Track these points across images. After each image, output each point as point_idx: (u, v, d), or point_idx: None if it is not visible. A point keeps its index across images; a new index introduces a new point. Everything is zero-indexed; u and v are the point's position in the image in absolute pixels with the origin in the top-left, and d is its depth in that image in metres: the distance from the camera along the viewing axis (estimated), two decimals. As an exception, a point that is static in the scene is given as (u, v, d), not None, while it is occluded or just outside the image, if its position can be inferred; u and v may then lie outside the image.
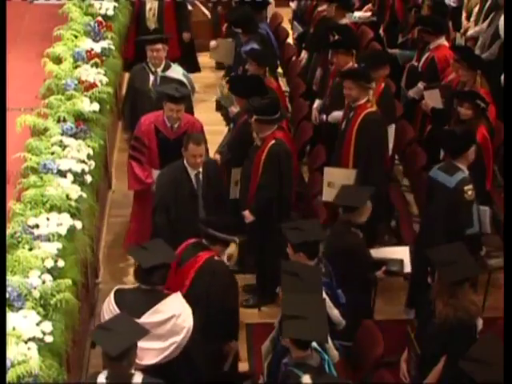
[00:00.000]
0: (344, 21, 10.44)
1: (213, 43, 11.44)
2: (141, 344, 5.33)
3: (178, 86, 8.20)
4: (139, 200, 8.31)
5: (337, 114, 8.90)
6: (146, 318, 5.71)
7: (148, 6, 11.06)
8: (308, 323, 5.28)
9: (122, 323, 5.21)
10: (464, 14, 11.32)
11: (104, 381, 5.05)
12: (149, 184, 8.02)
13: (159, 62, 8.89)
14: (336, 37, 9.51)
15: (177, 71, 8.98)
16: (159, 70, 8.90)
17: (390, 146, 8.62)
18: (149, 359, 5.74)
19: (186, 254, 6.49)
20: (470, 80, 8.66)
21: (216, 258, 6.47)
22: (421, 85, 9.62)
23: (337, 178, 7.62)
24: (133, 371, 5.15)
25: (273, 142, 7.77)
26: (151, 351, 5.75)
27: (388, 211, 8.68)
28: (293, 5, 13.21)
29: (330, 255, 6.57)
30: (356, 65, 9.01)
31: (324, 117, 9.28)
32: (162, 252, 5.97)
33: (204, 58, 12.53)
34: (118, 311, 5.70)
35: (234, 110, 8.84)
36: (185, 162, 7.42)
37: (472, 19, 10.98)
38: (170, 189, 7.41)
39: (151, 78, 8.91)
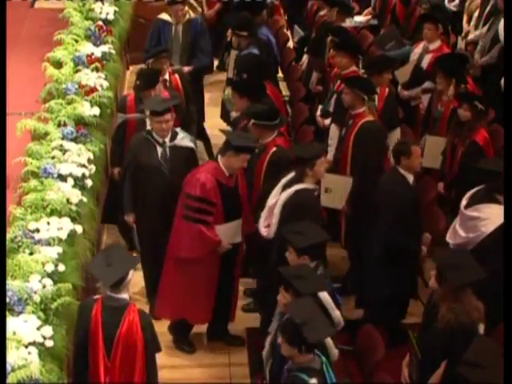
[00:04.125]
0: (344, 25, 10.44)
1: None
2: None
3: (243, 133, 7.81)
4: (186, 269, 7.40)
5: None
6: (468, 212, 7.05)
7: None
8: (316, 324, 5.35)
9: None
10: (465, 18, 11.30)
11: None
12: (218, 242, 7.31)
13: (167, 132, 7.83)
14: (336, 39, 9.49)
15: (185, 138, 7.98)
16: (167, 140, 7.81)
17: None
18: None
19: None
20: (445, 88, 8.64)
21: None
22: (429, 84, 9.54)
23: (334, 184, 7.59)
24: None
25: (274, 149, 7.75)
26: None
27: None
28: None
29: None
30: (361, 70, 9.01)
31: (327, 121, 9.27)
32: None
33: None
34: None
35: (234, 114, 8.82)
36: (400, 169, 7.36)
37: (472, 24, 10.97)
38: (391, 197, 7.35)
39: (159, 149, 7.78)
